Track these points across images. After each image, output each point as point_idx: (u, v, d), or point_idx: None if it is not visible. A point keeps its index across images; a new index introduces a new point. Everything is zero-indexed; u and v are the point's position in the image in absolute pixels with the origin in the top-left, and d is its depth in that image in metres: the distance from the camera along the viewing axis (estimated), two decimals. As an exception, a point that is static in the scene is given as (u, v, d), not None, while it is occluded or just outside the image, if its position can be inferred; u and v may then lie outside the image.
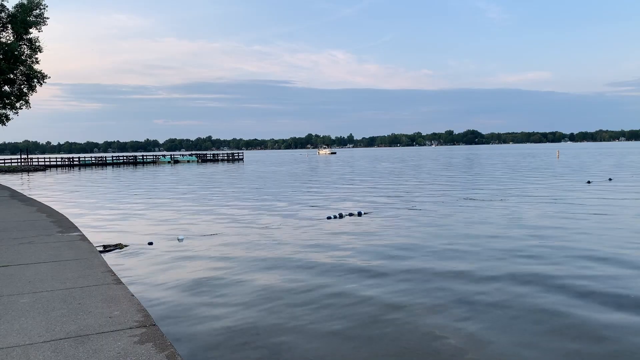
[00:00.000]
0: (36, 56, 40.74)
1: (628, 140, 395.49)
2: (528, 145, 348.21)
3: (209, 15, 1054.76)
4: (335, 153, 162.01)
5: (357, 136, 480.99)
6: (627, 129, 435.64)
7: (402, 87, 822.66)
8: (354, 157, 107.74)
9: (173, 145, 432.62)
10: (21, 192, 25.63)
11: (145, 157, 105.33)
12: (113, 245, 12.19)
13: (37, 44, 40.59)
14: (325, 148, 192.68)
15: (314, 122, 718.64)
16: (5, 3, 40.75)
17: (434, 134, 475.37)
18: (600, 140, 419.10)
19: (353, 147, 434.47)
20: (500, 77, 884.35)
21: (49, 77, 41.75)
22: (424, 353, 5.87)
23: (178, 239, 13.20)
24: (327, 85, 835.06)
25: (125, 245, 12.32)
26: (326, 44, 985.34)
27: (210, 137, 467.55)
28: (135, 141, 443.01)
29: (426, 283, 8.58)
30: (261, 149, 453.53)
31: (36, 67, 40.87)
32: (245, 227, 15.17)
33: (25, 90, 41.27)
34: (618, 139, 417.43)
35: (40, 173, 62.72)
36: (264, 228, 14.94)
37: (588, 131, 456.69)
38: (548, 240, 11.93)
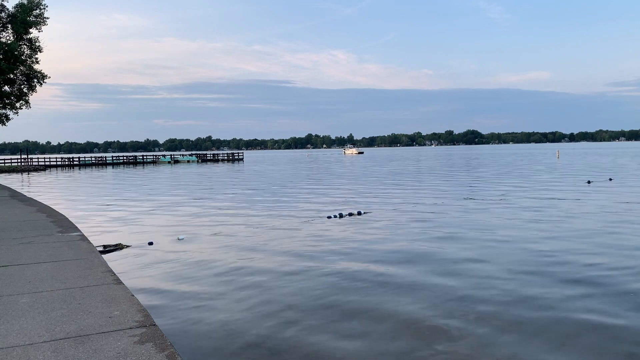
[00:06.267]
0: (36, 56, 40.74)
1: (628, 140, 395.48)
2: (528, 145, 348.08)
3: (209, 15, 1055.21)
4: (362, 153, 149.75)
5: (357, 136, 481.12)
6: (627, 129, 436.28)
7: (402, 87, 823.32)
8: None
9: (173, 145, 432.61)
10: (21, 192, 25.63)
11: (145, 157, 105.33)
12: (113, 245, 12.18)
13: (37, 44, 40.58)
14: (351, 147, 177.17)
15: (314, 122, 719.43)
16: (5, 3, 40.82)
17: (434, 134, 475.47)
18: (601, 140, 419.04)
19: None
20: (500, 77, 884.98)
21: (49, 77, 41.77)
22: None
23: (178, 239, 13.20)
24: (327, 85, 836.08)
25: (126, 246, 12.31)
26: (327, 44, 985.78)
27: (210, 137, 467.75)
28: (135, 141, 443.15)
29: (424, 281, 8.58)
30: (261, 149, 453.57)
31: (36, 67, 40.88)
32: (245, 227, 15.17)
33: (25, 90, 41.27)
34: (618, 139, 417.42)
35: (40, 173, 62.72)
36: (265, 228, 14.93)
37: (588, 131, 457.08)
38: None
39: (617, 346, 5.93)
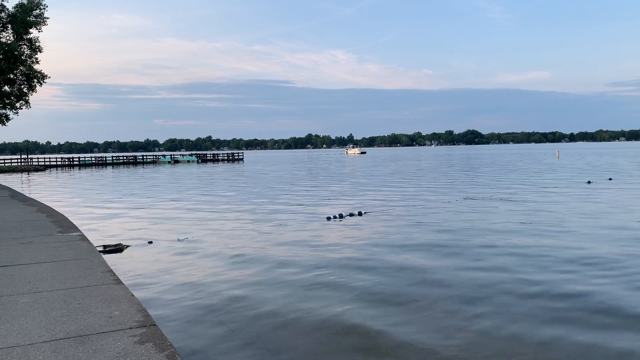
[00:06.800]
0: (36, 56, 40.74)
1: (628, 140, 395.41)
2: (528, 145, 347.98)
3: (209, 15, 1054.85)
4: (365, 153, 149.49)
5: (357, 136, 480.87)
6: (627, 129, 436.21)
7: (402, 87, 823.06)
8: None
9: (173, 145, 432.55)
10: (21, 192, 25.63)
11: (145, 157, 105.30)
12: (113, 245, 12.18)
13: (37, 44, 40.58)
14: (354, 148, 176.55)
15: (314, 122, 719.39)
16: (5, 3, 40.82)
17: (434, 134, 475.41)
18: (600, 140, 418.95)
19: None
20: (500, 77, 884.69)
21: (49, 77, 41.77)
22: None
23: (178, 239, 13.20)
24: (327, 85, 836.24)
25: (126, 245, 12.31)
26: (327, 44, 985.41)
27: (210, 137, 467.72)
28: (135, 141, 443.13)
29: (423, 282, 8.58)
30: (261, 149, 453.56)
31: (36, 67, 40.88)
32: (245, 228, 15.16)
33: (25, 90, 41.25)
34: (618, 139, 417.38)
35: (40, 173, 62.72)
36: (265, 228, 14.93)
37: (588, 131, 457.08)
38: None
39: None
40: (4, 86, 40.53)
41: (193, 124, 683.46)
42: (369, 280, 8.86)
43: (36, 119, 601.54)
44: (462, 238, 12.47)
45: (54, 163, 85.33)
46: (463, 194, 23.48)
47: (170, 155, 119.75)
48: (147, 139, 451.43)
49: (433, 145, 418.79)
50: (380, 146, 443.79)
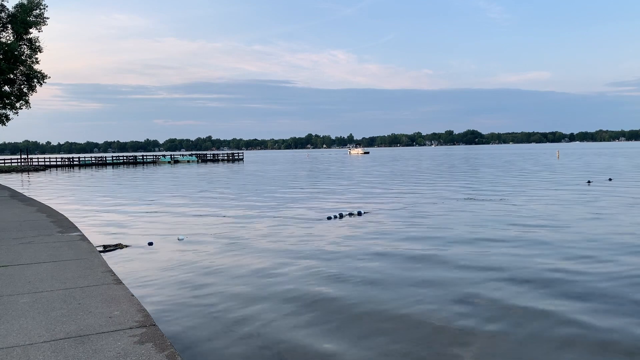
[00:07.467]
0: (36, 56, 40.77)
1: (628, 140, 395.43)
2: (528, 145, 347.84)
3: (209, 15, 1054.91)
4: (368, 153, 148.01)
5: (357, 136, 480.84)
6: (627, 129, 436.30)
7: (402, 87, 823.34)
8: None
9: (173, 145, 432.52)
10: (21, 192, 25.62)
11: (145, 157, 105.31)
12: (113, 245, 12.18)
13: (37, 44, 40.62)
14: (357, 147, 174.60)
15: (314, 122, 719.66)
16: (5, 3, 40.85)
17: (434, 134, 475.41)
18: (600, 140, 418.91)
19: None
20: (500, 77, 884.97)
21: (49, 77, 41.80)
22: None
23: (178, 239, 13.20)
24: (327, 85, 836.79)
25: (126, 245, 12.31)
26: (327, 44, 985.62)
27: (210, 137, 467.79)
28: (135, 141, 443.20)
29: (422, 282, 8.58)
30: (261, 149, 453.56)
31: (36, 67, 40.92)
32: (245, 228, 15.16)
33: (25, 90, 41.28)
34: (618, 139, 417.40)
35: (40, 173, 62.71)
36: (265, 228, 14.93)
37: (588, 131, 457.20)
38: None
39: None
40: (4, 86, 40.55)
41: (193, 124, 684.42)
42: (369, 281, 8.86)
43: (36, 119, 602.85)
44: (461, 239, 12.47)
45: (54, 163, 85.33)
46: (463, 193, 23.47)
47: (170, 155, 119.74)
48: (147, 139, 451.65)
49: (433, 146, 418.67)
50: (380, 146, 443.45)
